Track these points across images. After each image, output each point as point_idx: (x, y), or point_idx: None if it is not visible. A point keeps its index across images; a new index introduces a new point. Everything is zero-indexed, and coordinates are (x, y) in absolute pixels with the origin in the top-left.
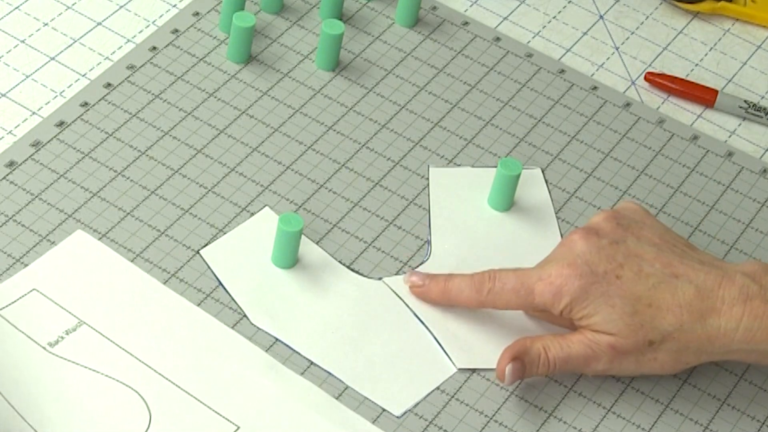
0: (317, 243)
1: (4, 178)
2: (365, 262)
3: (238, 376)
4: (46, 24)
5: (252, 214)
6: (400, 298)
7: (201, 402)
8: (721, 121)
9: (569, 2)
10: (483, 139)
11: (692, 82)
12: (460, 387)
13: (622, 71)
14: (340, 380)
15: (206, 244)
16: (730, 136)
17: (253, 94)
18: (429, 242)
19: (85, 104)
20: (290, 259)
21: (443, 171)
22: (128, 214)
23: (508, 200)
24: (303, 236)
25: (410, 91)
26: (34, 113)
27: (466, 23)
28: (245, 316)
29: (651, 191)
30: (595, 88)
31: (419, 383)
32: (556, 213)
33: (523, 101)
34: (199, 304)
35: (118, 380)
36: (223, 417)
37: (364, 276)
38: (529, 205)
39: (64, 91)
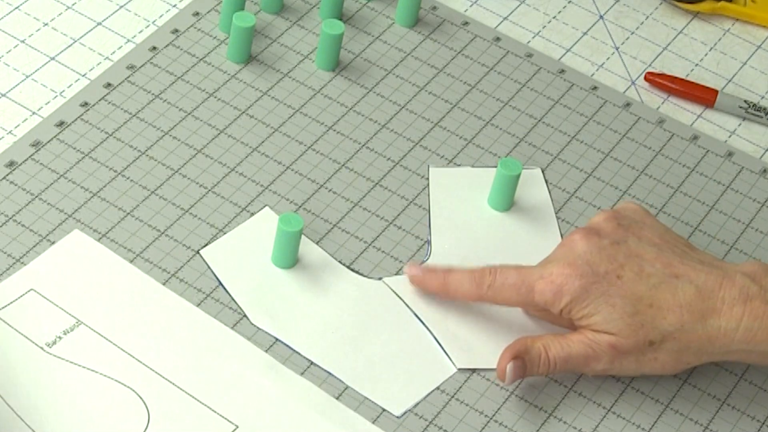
0: (317, 243)
1: (4, 178)
2: (365, 262)
3: (238, 376)
4: (46, 24)
5: (252, 214)
6: (400, 298)
7: (200, 402)
8: (721, 121)
9: (569, 2)
10: (483, 139)
11: (692, 82)
12: (460, 387)
13: (622, 71)
14: (340, 380)
15: (206, 244)
16: (730, 136)
17: (253, 94)
18: (429, 242)
19: (85, 104)
20: (290, 259)
21: (443, 171)
22: (128, 214)
23: (508, 200)
24: (303, 236)
25: (410, 91)
26: (34, 113)
27: (466, 23)
28: (245, 316)
29: (651, 191)
30: (595, 88)
31: (419, 383)
32: (556, 213)
33: (523, 101)
34: (199, 305)
35: (116, 380)
36: (222, 417)
37: (364, 276)
38: (529, 205)
39: (64, 91)
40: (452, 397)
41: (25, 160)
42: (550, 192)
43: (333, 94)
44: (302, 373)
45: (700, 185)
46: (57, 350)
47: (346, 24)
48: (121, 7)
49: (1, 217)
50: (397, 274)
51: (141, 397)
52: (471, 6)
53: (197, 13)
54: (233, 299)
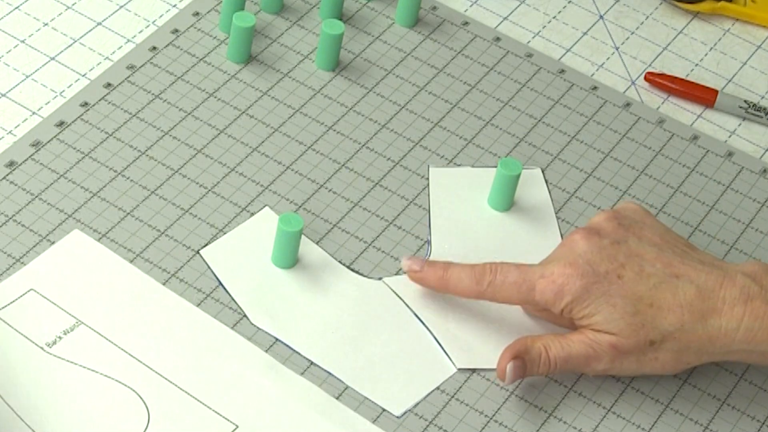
0: (317, 243)
1: (4, 178)
2: (365, 262)
3: (238, 376)
4: (46, 24)
5: (252, 214)
6: (400, 298)
7: (200, 401)
8: (721, 121)
9: (569, 2)
10: (483, 139)
11: (692, 82)
12: (460, 387)
13: (622, 71)
14: (340, 380)
15: (206, 244)
16: (730, 136)
17: (253, 94)
18: (429, 242)
19: (85, 104)
20: (290, 259)
21: (443, 171)
22: (128, 214)
23: (508, 200)
24: (303, 236)
25: (410, 91)
26: (34, 113)
27: (466, 23)
28: (245, 316)
29: (651, 191)
30: (595, 88)
31: (419, 383)
32: (556, 213)
33: (523, 101)
34: (199, 304)
35: (116, 380)
36: (222, 416)
37: (364, 276)
38: (529, 205)
39: (64, 91)
40: (452, 397)
41: (25, 160)
42: (550, 192)
43: (333, 94)
44: (302, 373)
45: (700, 185)
46: (57, 350)
47: (346, 24)
48: (121, 7)
49: (1, 217)
50: (397, 274)
51: (141, 397)
52: (471, 6)
53: (197, 13)
54: (233, 299)
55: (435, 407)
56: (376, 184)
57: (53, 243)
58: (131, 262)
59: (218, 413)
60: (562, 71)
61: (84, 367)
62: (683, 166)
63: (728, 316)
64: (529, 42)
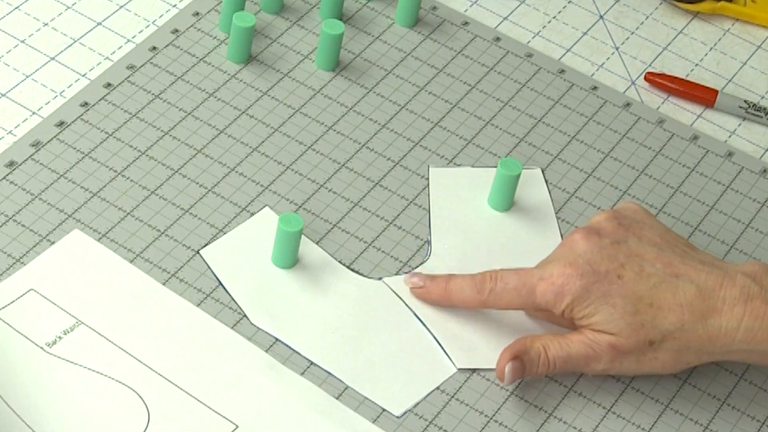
0: (317, 243)
1: (4, 178)
2: (365, 262)
3: (238, 376)
4: (46, 24)
5: (252, 214)
6: (400, 298)
7: (200, 402)
8: (721, 121)
9: (569, 2)
10: (483, 139)
11: (692, 82)
12: (460, 387)
13: (622, 71)
14: (340, 380)
15: (206, 244)
16: (730, 136)
17: (253, 94)
18: (429, 242)
19: (85, 104)
20: (290, 259)
21: (443, 171)
22: (128, 214)
23: (508, 200)
24: (303, 236)
25: (410, 91)
26: (34, 113)
27: (466, 23)
28: (245, 316)
29: (651, 191)
30: (595, 88)
31: (419, 383)
32: (556, 213)
33: (523, 101)
34: (199, 304)
35: (116, 380)
36: (222, 416)
37: (364, 276)
38: (529, 205)
39: (64, 91)
40: (452, 397)
41: (25, 160)
42: (550, 192)
43: (333, 94)
44: (302, 373)
45: (700, 185)
46: (57, 350)
47: (346, 24)
48: (121, 7)
49: (1, 217)
50: (397, 274)
51: (141, 397)
52: (471, 6)
53: (197, 13)
54: (233, 299)
55: (435, 407)
56: (376, 184)
57: (53, 243)
58: (131, 262)
59: (218, 413)
60: (562, 71)
61: (84, 367)
62: (683, 166)
63: (728, 316)
64: (529, 42)
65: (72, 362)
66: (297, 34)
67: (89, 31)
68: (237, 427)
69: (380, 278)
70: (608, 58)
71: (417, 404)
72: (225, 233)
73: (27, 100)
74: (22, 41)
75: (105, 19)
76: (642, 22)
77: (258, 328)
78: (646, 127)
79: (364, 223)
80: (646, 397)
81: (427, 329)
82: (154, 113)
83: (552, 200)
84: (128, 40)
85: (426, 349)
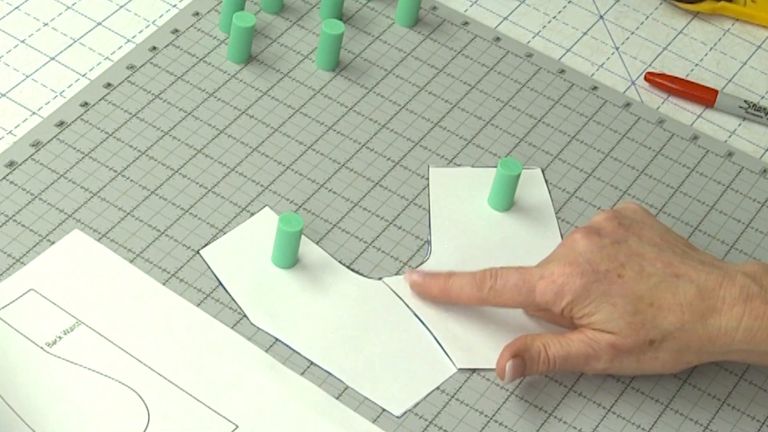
0: (317, 243)
1: (4, 178)
2: (365, 262)
3: (238, 376)
4: (46, 24)
5: (252, 214)
6: (400, 298)
7: (200, 402)
8: (721, 121)
9: (569, 2)
10: (483, 139)
11: (692, 82)
12: (460, 387)
13: (622, 71)
14: (340, 380)
15: (206, 244)
16: (730, 136)
17: (253, 94)
18: (429, 242)
19: (85, 104)
20: (290, 259)
21: (443, 171)
22: (128, 214)
23: (508, 200)
24: (303, 236)
25: (410, 91)
26: (34, 113)
27: (466, 23)
28: (245, 316)
29: (651, 191)
30: (595, 88)
31: (419, 383)
32: (556, 213)
33: (523, 101)
34: (199, 304)
35: (116, 380)
36: (222, 416)
37: (364, 276)
38: (529, 205)
39: (64, 91)
40: (452, 397)
41: (25, 160)
42: (550, 192)
43: (333, 94)
44: (302, 373)
45: (700, 185)
46: (57, 350)
47: (346, 24)
48: (121, 7)
49: (1, 217)
50: (397, 274)
51: (141, 397)
52: (471, 6)
53: (197, 13)
54: (233, 299)
55: (435, 407)
56: (376, 184)
57: (53, 243)
58: (131, 262)
59: (218, 413)
60: (562, 71)
61: (84, 367)
62: (683, 166)
63: (728, 316)
64: (529, 42)
65: (72, 362)
66: (297, 34)
67: (89, 31)
68: (237, 427)
69: (380, 278)
70: (608, 58)
71: (417, 404)
72: (225, 233)
73: (27, 100)
74: (22, 41)
75: (105, 19)
76: (642, 22)
77: (258, 328)
78: (646, 127)
79: (364, 223)
80: (646, 397)
81: (427, 329)
82: (154, 113)
83: (552, 200)
84: (128, 40)
85: (426, 349)
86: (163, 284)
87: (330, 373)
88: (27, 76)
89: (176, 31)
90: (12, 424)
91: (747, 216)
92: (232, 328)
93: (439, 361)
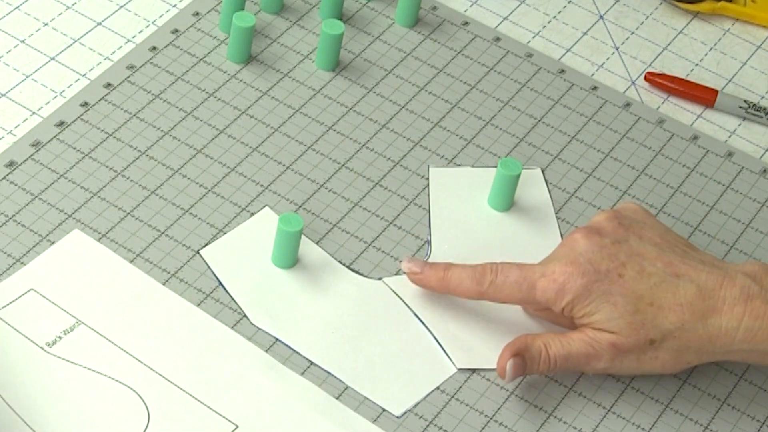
0: (317, 243)
1: (4, 178)
2: (365, 262)
3: (238, 376)
4: (46, 24)
5: (252, 214)
6: (400, 298)
7: (200, 402)
8: (721, 121)
9: (569, 2)
10: (483, 139)
11: (692, 82)
12: (460, 387)
13: (622, 71)
14: (340, 380)
15: (206, 244)
16: (730, 136)
17: (253, 94)
18: (429, 242)
19: (85, 104)
20: (290, 259)
21: (443, 171)
22: (128, 214)
23: (508, 200)
24: (303, 236)
25: (410, 91)
26: (34, 113)
27: (466, 23)
28: (245, 316)
29: (651, 191)
30: (595, 88)
31: (419, 383)
32: (556, 213)
33: (523, 101)
34: (199, 304)
35: (116, 380)
36: (222, 416)
37: (364, 276)
38: (529, 205)
39: (64, 91)
40: (452, 397)
41: (25, 160)
42: (550, 192)
43: (333, 94)
44: (302, 373)
45: (700, 185)
46: (57, 350)
47: (346, 24)
48: (121, 7)
49: (1, 217)
50: (397, 274)
51: (141, 397)
52: (471, 6)
53: (197, 13)
54: (233, 299)
55: (435, 407)
56: (376, 184)
57: (53, 243)
58: (131, 262)
59: (218, 413)
60: (562, 71)
61: (84, 367)
62: (683, 166)
63: (728, 316)
64: (529, 42)
65: (72, 362)
66: (297, 34)
67: (89, 31)
68: (237, 427)
69: (380, 278)
70: (608, 58)
71: (417, 404)
72: (225, 233)
73: (27, 100)
74: (22, 41)
75: (105, 19)
76: (642, 22)
77: (258, 328)
78: (646, 127)
79: (364, 223)
80: (646, 397)
81: (427, 329)
82: (154, 113)
83: (552, 200)
84: (128, 40)
85: (426, 349)
86: (163, 284)
87: (330, 373)
88: (27, 76)
89: (176, 31)
90: (12, 424)
91: (747, 216)
92: (232, 328)
93: (439, 361)
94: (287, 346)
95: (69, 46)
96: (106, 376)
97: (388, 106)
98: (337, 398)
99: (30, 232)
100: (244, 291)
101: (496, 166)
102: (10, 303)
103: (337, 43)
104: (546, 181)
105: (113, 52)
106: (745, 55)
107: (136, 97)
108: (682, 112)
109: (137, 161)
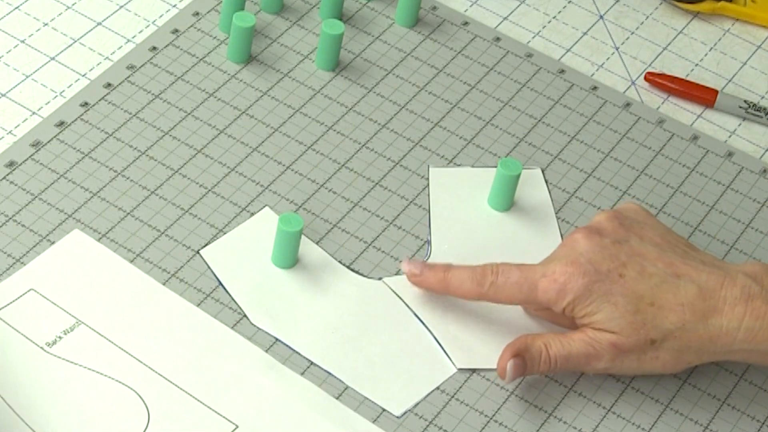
0: (317, 243)
1: (4, 178)
2: (365, 262)
3: (238, 376)
4: (46, 24)
5: (252, 214)
6: (400, 298)
7: (200, 402)
8: (721, 121)
9: (569, 2)
10: (483, 139)
11: (692, 82)
12: (460, 387)
13: (622, 71)
14: (340, 380)
15: (206, 244)
16: (730, 136)
17: (253, 94)
18: (429, 242)
19: (85, 104)
20: (290, 259)
21: (443, 171)
22: (128, 214)
23: (508, 200)
24: (303, 236)
25: (410, 91)
26: (34, 113)
27: (466, 23)
28: (245, 316)
29: (651, 191)
30: (595, 88)
31: (419, 383)
32: (556, 213)
33: (523, 101)
34: (199, 304)
35: (116, 380)
36: (222, 416)
37: (364, 276)
38: (529, 205)
39: (64, 91)
40: (452, 397)
41: (25, 160)
42: (550, 192)
43: (333, 94)
44: (302, 373)
45: (700, 185)
46: (57, 350)
47: (346, 24)
48: (121, 7)
49: (1, 217)
50: (397, 274)
51: (141, 397)
52: (471, 6)
53: (197, 13)
54: (233, 299)
55: (435, 407)
56: (376, 184)
57: (53, 243)
58: (131, 262)
59: (218, 413)
60: (562, 71)
61: (84, 367)
62: (683, 166)
63: (729, 316)
64: (529, 42)
65: (72, 362)
66: (297, 34)
67: (89, 31)
68: (237, 427)
69: (380, 278)
70: (608, 58)
71: (417, 404)
72: (225, 233)
73: (27, 100)
74: (22, 41)
75: (105, 19)
76: (642, 22)
77: (258, 328)
78: (646, 127)
79: (364, 223)
80: (646, 397)
81: (427, 329)
82: (154, 113)
83: (552, 200)
84: (128, 40)
85: (426, 349)
86: (163, 284)
87: (330, 373)
88: (27, 76)
89: (176, 31)
90: (12, 424)
91: (747, 216)
92: (232, 328)
93: (439, 361)
94: (287, 346)
95: (69, 46)
96: (106, 376)
97: (388, 106)
98: (337, 398)
99: (30, 232)
100: (244, 291)
101: (496, 166)
102: (10, 303)
103: (337, 43)
104: (546, 181)
105: (113, 52)
106: (745, 55)
107: (136, 97)
108: (682, 112)
109: (137, 161)
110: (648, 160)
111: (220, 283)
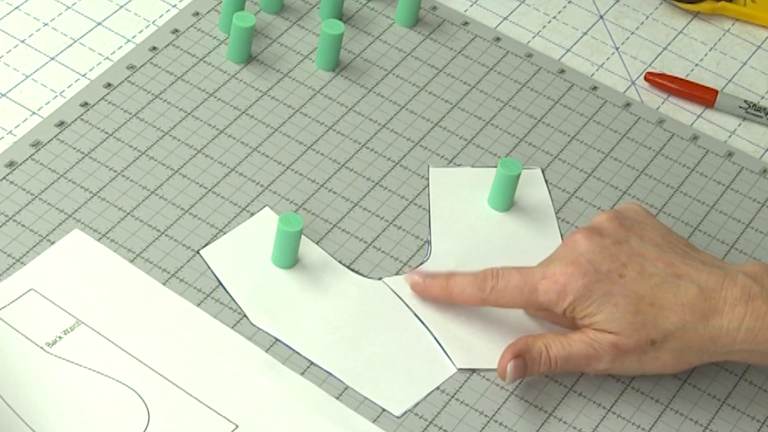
0: (317, 243)
1: (4, 178)
2: (365, 262)
3: (238, 376)
4: (46, 24)
5: (252, 214)
6: (400, 298)
7: (200, 401)
8: (721, 121)
9: (569, 2)
10: (483, 139)
11: (692, 82)
12: (460, 387)
13: (622, 71)
14: (340, 380)
15: (206, 244)
16: (730, 136)
17: (253, 94)
18: (429, 242)
19: (85, 104)
20: (290, 259)
21: (443, 171)
22: (128, 214)
23: (508, 200)
24: (303, 236)
25: (410, 91)
26: (34, 113)
27: (466, 23)
28: (245, 316)
29: (651, 191)
30: (595, 88)
31: (419, 383)
32: (556, 213)
33: (523, 101)
34: (199, 304)
35: (116, 380)
36: (222, 416)
37: (364, 276)
38: (529, 205)
39: (64, 91)
40: (452, 397)
41: (25, 160)
42: (550, 192)
43: (333, 94)
44: (302, 373)
45: (700, 185)
46: (57, 350)
47: (346, 24)
48: (121, 7)
49: (1, 217)
50: (397, 274)
51: (141, 397)
52: (471, 6)
53: (197, 13)
54: (233, 299)
55: (435, 407)
56: (376, 184)
57: (53, 243)
58: (131, 262)
59: (218, 413)
60: (562, 71)
61: (84, 367)
62: (683, 166)
63: (729, 316)
64: (529, 42)
65: (72, 362)
66: (297, 34)
67: (89, 31)
68: (237, 427)
69: (380, 278)
70: (608, 58)
71: (417, 404)
72: (225, 233)
73: (27, 100)
74: (22, 41)
75: (105, 19)
76: (642, 22)
77: (258, 328)
78: (646, 127)
79: (364, 223)
80: (646, 397)
81: (427, 329)
82: (154, 113)
83: (552, 200)
84: (128, 40)
85: (426, 349)
86: (163, 284)
87: (330, 373)
88: (27, 76)
89: (176, 31)
90: (12, 424)
91: (747, 216)
92: (232, 328)
93: (439, 361)
94: (287, 346)
95: (69, 46)
96: (106, 375)
97: (388, 106)
98: (337, 398)
99: (30, 232)
100: (244, 291)
101: (496, 166)
102: (10, 303)
103: (337, 43)
104: (546, 181)
105: (113, 52)
106: (745, 55)
107: (136, 97)
108: (682, 112)
109: (137, 161)
110: (648, 160)
111: (220, 283)
